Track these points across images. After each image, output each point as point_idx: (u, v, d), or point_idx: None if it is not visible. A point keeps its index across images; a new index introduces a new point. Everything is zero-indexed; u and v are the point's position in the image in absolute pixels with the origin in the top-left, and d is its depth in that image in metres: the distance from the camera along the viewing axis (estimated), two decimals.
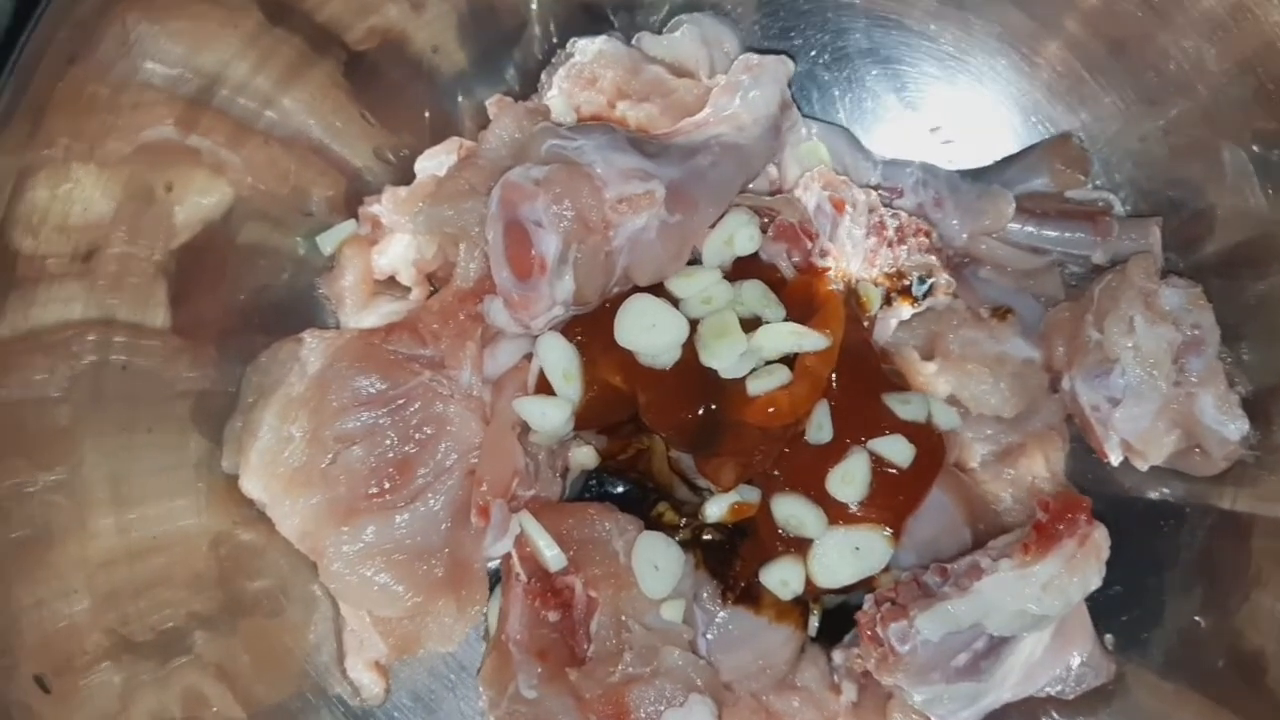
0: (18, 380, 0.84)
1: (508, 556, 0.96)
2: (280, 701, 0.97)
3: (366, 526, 0.92)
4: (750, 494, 0.96)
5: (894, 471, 0.93)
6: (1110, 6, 0.97)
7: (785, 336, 0.93)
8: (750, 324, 0.93)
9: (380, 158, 1.05)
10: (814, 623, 0.99)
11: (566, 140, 0.91)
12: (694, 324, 0.93)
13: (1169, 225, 1.02)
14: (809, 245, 0.97)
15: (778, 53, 1.03)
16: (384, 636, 0.96)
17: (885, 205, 1.02)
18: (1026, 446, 1.00)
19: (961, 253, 1.04)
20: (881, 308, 1.01)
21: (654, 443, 1.00)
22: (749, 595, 0.95)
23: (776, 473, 0.94)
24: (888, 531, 0.93)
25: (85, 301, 0.87)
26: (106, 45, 0.83)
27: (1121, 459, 0.99)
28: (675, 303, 0.94)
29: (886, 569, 0.94)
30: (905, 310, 1.02)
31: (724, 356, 0.92)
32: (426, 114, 1.06)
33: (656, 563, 0.92)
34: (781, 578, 0.93)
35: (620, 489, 1.04)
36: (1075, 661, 0.94)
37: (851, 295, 1.00)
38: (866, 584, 0.95)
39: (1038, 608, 0.88)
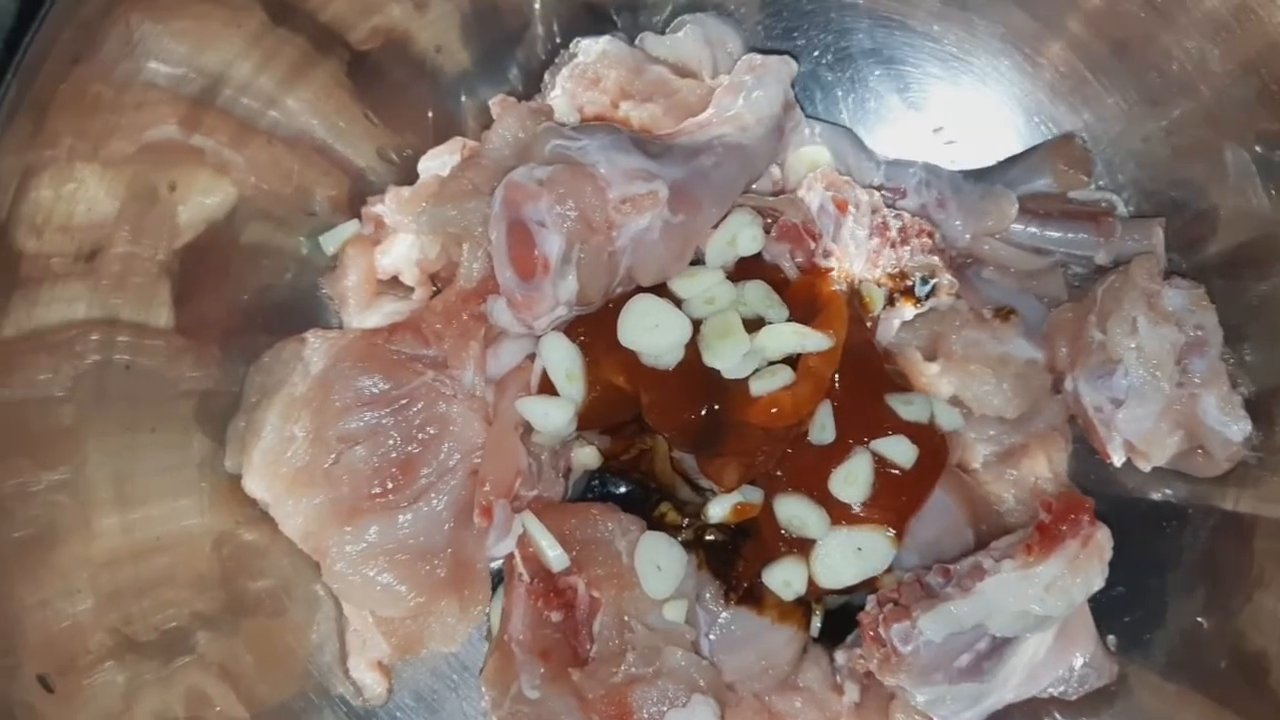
0: (21, 380, 0.84)
1: (510, 557, 0.96)
2: (283, 701, 0.97)
3: (369, 526, 0.92)
4: (753, 494, 0.96)
5: (897, 472, 0.93)
6: (1113, 7, 0.97)
7: (788, 337, 0.93)
8: (753, 324, 0.93)
9: (383, 157, 1.05)
10: (816, 623, 0.99)
11: (570, 140, 0.91)
12: (697, 324, 0.93)
13: (1172, 226, 1.02)
14: (812, 246, 0.98)
15: (781, 53, 1.03)
16: (387, 636, 0.96)
17: (888, 206, 1.02)
18: (1029, 447, 1.00)
19: (964, 253, 1.04)
20: (884, 308, 1.01)
21: (657, 443, 1.00)
22: (751, 596, 0.95)
23: (779, 473, 0.94)
24: (890, 532, 0.93)
25: (89, 301, 0.87)
26: (110, 45, 0.83)
27: (1124, 460, 0.99)
28: (678, 303, 0.94)
29: (889, 570, 0.94)
30: (908, 311, 1.02)
31: (727, 357, 0.92)
32: (430, 114, 1.06)
33: (659, 563, 0.92)
34: (784, 578, 0.93)
35: (623, 489, 1.04)
36: (1078, 662, 0.94)
37: (854, 296, 1.00)
38: (869, 585, 0.95)
39: (1040, 608, 0.88)
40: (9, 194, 0.81)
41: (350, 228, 1.04)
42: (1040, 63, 1.06)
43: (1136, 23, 0.96)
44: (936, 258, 1.02)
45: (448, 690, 1.04)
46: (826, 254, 0.99)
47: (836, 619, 0.99)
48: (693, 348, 0.93)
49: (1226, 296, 0.97)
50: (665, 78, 1.02)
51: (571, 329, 0.96)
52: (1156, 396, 0.95)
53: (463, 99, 1.06)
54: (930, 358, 1.01)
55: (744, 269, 0.97)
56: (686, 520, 0.98)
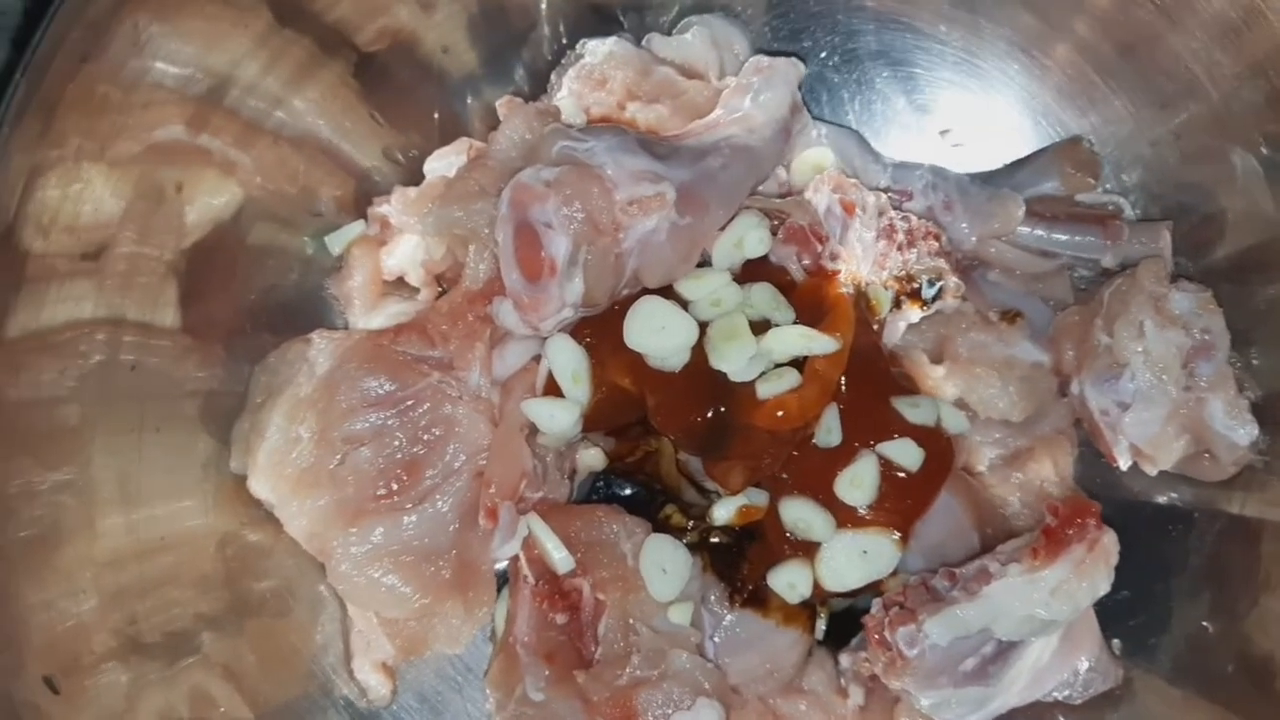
0: (27, 379, 0.84)
1: (515, 558, 0.96)
2: (287, 702, 0.97)
3: (374, 528, 0.92)
4: (758, 497, 0.96)
5: (902, 475, 0.93)
6: (1121, 10, 0.97)
7: (795, 339, 0.93)
8: (760, 327, 0.93)
9: (389, 158, 1.05)
10: (821, 626, 0.99)
11: (577, 142, 0.91)
12: (703, 326, 0.93)
13: (1179, 229, 1.02)
14: (819, 248, 0.97)
15: (788, 55, 1.03)
16: (391, 638, 0.96)
17: (895, 208, 1.02)
18: (1035, 451, 1.00)
19: (971, 256, 1.04)
20: (891, 311, 1.01)
21: (662, 445, 1.00)
22: (756, 598, 0.95)
23: (785, 476, 0.94)
24: (896, 535, 0.93)
25: (94, 301, 0.87)
26: (118, 45, 0.83)
27: (1130, 464, 0.99)
28: (685, 305, 0.94)
29: (894, 573, 0.94)
30: (914, 313, 1.01)
31: (733, 359, 0.92)
32: (436, 115, 1.06)
33: (664, 565, 0.92)
34: (789, 581, 0.93)
35: (628, 491, 1.04)
36: (1083, 666, 0.94)
37: (861, 298, 1.00)
38: (874, 588, 0.95)
39: (1046, 613, 0.88)
40: (16, 194, 0.81)
41: (356, 228, 1.04)
42: (1048, 65, 1.05)
43: (1144, 25, 0.96)
44: (943, 260, 1.01)
45: (452, 692, 1.04)
46: (833, 256, 0.98)
47: (841, 622, 0.99)
48: (699, 350, 0.93)
49: (1234, 300, 0.97)
50: (672, 79, 1.02)
51: (577, 331, 0.96)
52: (1163, 400, 0.95)
53: (469, 100, 1.06)
54: (936, 360, 1.00)
55: (750, 271, 0.97)
56: (692, 523, 0.98)
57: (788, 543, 0.94)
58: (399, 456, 0.93)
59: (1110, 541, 0.89)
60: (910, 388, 0.98)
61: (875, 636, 0.91)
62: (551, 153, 0.92)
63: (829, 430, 0.94)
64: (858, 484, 0.92)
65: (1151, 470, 0.98)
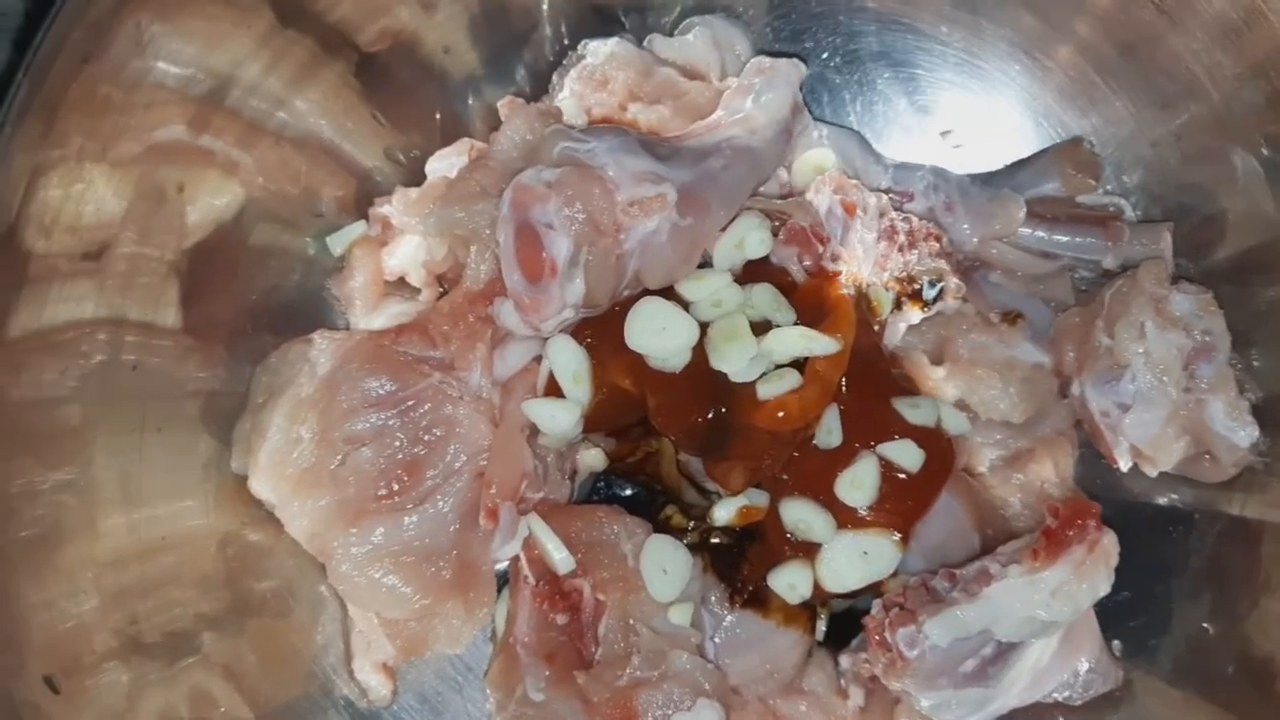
0: (28, 379, 0.84)
1: (516, 559, 0.96)
2: (287, 702, 0.97)
3: (375, 528, 0.92)
4: (759, 498, 0.96)
5: (903, 476, 0.93)
6: (1122, 11, 0.97)
7: (795, 340, 0.93)
8: (760, 328, 0.93)
9: (391, 159, 1.05)
10: (821, 627, 0.99)
11: (578, 143, 0.91)
12: (704, 327, 0.93)
13: (1180, 230, 1.02)
14: (820, 249, 0.97)
15: (789, 55, 1.03)
16: (391, 638, 0.96)
17: (896, 209, 1.02)
18: (1036, 452, 1.00)
19: (972, 257, 1.04)
20: (891, 312, 1.01)
21: (663, 446, 1.00)
22: (757, 599, 0.95)
23: (785, 477, 0.94)
24: (896, 536, 0.93)
25: (96, 301, 0.87)
26: (120, 46, 0.83)
27: (1131, 465, 0.99)
28: (685, 306, 0.94)
29: (895, 574, 0.94)
30: (915, 315, 1.01)
31: (734, 360, 0.92)
32: (437, 115, 1.06)
33: (665, 566, 0.92)
34: (789, 582, 0.93)
35: (629, 492, 1.04)
36: (1083, 667, 0.94)
37: (862, 299, 1.00)
38: (874, 589, 0.95)
39: (1046, 614, 0.88)
40: (18, 194, 0.81)
41: (357, 229, 1.04)
42: (1049, 66, 1.05)
43: (1145, 26, 0.96)
44: (944, 261, 1.01)
45: (452, 692, 1.04)
46: (834, 257, 0.98)
47: (841, 623, 0.99)
48: (700, 351, 0.93)
49: (1234, 302, 0.97)
50: (674, 80, 1.02)
51: (578, 331, 0.96)
52: (1164, 402, 0.95)
53: (470, 100, 1.06)
54: (937, 361, 1.00)
55: (751, 272, 0.97)
56: (692, 523, 0.98)
57: (788, 543, 0.94)
58: (400, 457, 0.93)
59: (1110, 543, 0.89)
60: (911, 389, 0.98)
61: (875, 637, 0.91)
62: (553, 153, 0.92)
63: (829, 431, 0.94)
64: (858, 485, 0.92)
65: (1152, 471, 0.98)
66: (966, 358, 0.99)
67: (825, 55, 1.09)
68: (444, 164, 1.03)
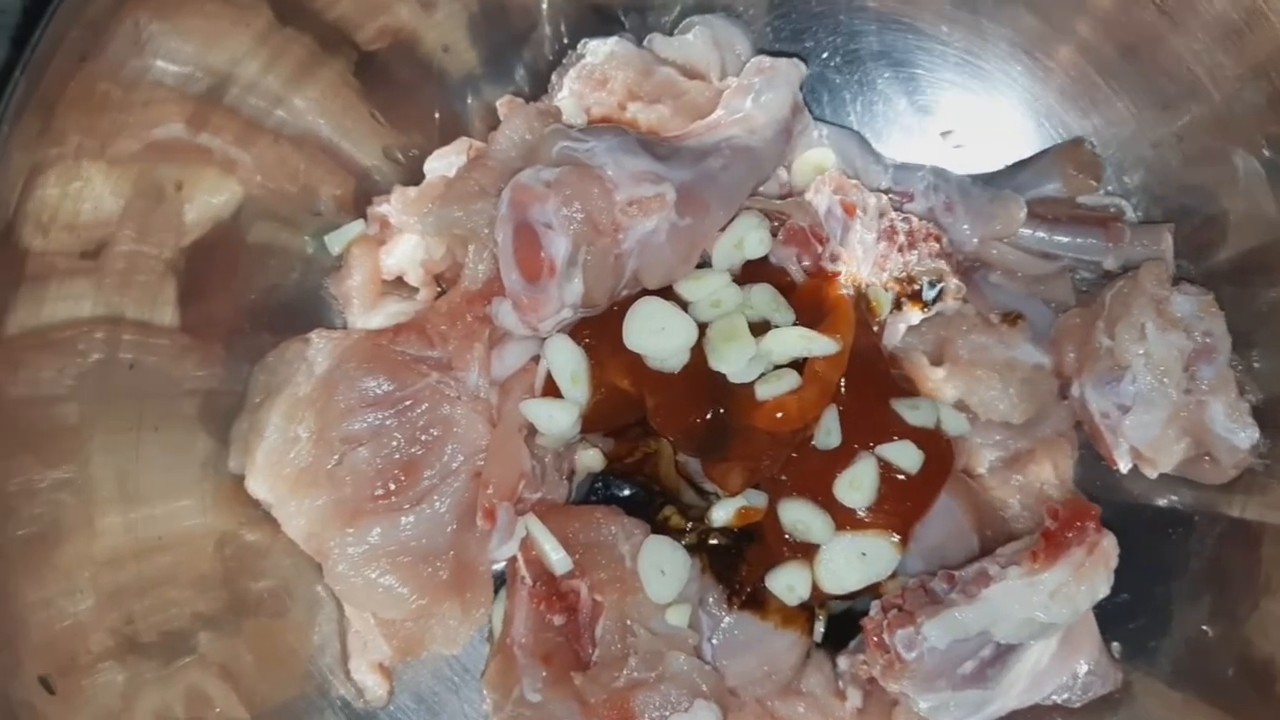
0: (26, 377, 0.84)
1: (513, 559, 0.96)
2: (284, 702, 0.97)
3: (372, 528, 0.91)
4: (757, 499, 0.96)
5: (902, 477, 0.93)
6: (1123, 11, 0.97)
7: (794, 341, 0.93)
8: (759, 328, 0.93)
9: (389, 157, 1.05)
10: (820, 628, 0.98)
11: (577, 142, 0.91)
12: (703, 327, 0.93)
13: (1181, 231, 1.02)
14: (819, 249, 0.97)
15: (790, 55, 1.03)
16: (388, 638, 0.96)
17: (896, 209, 1.01)
18: (1035, 453, 1.00)
19: (972, 258, 1.04)
20: (891, 312, 1.01)
21: (661, 446, 1.00)
22: (755, 600, 0.95)
23: (784, 477, 0.94)
24: (895, 537, 0.92)
25: (94, 299, 0.87)
26: (118, 44, 0.83)
27: (1131, 466, 0.99)
28: (684, 306, 0.94)
29: (893, 575, 0.94)
30: (915, 315, 1.01)
31: (733, 360, 0.92)
32: (436, 114, 1.05)
33: (663, 567, 0.92)
34: (788, 583, 0.93)
35: (627, 492, 1.04)
36: (1082, 669, 0.94)
37: (861, 300, 0.99)
38: (873, 590, 0.95)
39: (1045, 616, 0.88)
40: (16, 191, 0.80)
41: (356, 228, 1.04)
42: (1050, 66, 1.05)
43: (1147, 27, 0.96)
44: (944, 262, 1.01)
45: (449, 693, 1.03)
46: (834, 258, 0.98)
47: (840, 624, 0.99)
48: (698, 351, 0.92)
49: (1235, 303, 0.96)
50: (673, 79, 1.01)
51: (577, 331, 0.96)
52: (1164, 403, 0.95)
53: (469, 99, 1.06)
54: (937, 362, 1.00)
55: (751, 272, 0.97)
56: (690, 524, 0.98)
57: (786, 545, 0.94)
58: (397, 457, 0.93)
59: (1110, 544, 0.89)
60: (910, 389, 0.98)
61: (874, 639, 0.91)
62: (552, 153, 0.91)
63: (828, 432, 0.93)
64: (857, 486, 0.92)
65: (1152, 473, 0.98)
66: (966, 358, 0.99)
67: (825, 55, 1.09)
68: (443, 163, 1.03)
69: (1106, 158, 1.06)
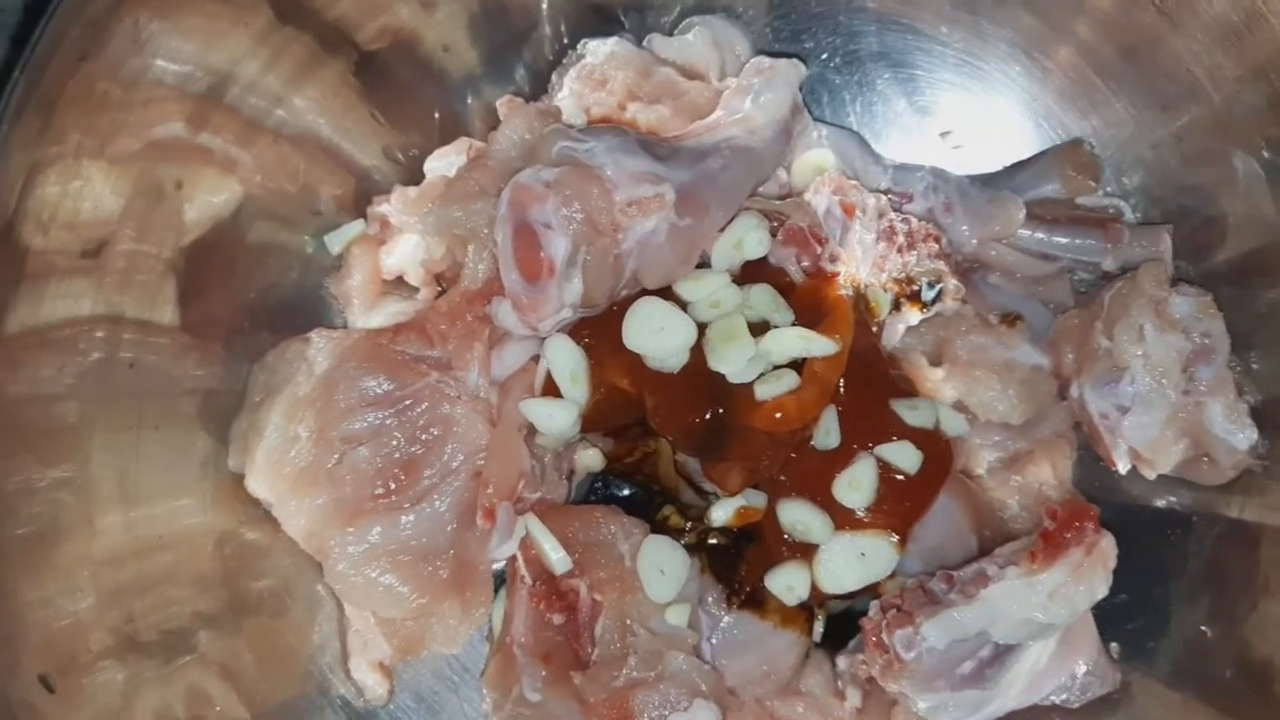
0: (26, 376, 0.84)
1: (513, 559, 0.96)
2: (284, 701, 0.97)
3: (372, 527, 0.91)
4: (757, 498, 0.96)
5: (901, 478, 0.93)
6: (1122, 12, 0.97)
7: (794, 341, 0.93)
8: (759, 328, 0.93)
9: (389, 157, 1.05)
10: (819, 628, 0.98)
11: (577, 142, 0.91)
12: (702, 328, 0.93)
13: (1180, 233, 1.02)
14: (818, 250, 0.97)
15: (789, 56, 1.03)
16: (388, 637, 0.96)
17: (895, 210, 1.01)
18: (1034, 454, 1.00)
19: (971, 258, 1.04)
20: (890, 313, 1.01)
21: (661, 446, 1.00)
22: (754, 600, 0.95)
23: (783, 478, 0.94)
24: (894, 538, 0.92)
25: (93, 298, 0.87)
26: (118, 43, 0.83)
27: (1129, 467, 0.99)
28: (683, 306, 0.94)
29: (892, 575, 0.94)
30: (914, 316, 1.01)
31: (732, 361, 0.92)
32: (436, 114, 1.05)
33: (662, 566, 0.92)
34: (787, 583, 0.93)
35: (626, 492, 1.03)
36: (1081, 670, 0.94)
37: (860, 300, 0.99)
38: (872, 590, 0.95)
39: (1044, 616, 0.88)
40: (15, 190, 0.80)
41: (356, 227, 1.04)
42: (1049, 67, 1.05)
43: (1146, 28, 0.96)
44: (943, 263, 1.01)
45: (449, 692, 1.03)
46: (833, 258, 0.98)
47: (839, 624, 0.99)
48: (698, 351, 0.92)
49: (1234, 304, 0.96)
50: (673, 79, 1.02)
51: (576, 331, 0.95)
52: (1162, 404, 0.95)
53: (469, 99, 1.06)
54: (935, 363, 1.00)
55: (750, 272, 0.96)
56: (690, 524, 0.98)
57: (786, 544, 0.94)
58: (397, 456, 0.93)
59: (1108, 545, 0.89)
60: (909, 390, 0.98)
61: (873, 639, 0.91)
62: (551, 153, 0.91)
63: (827, 432, 0.93)
64: (856, 486, 0.92)
65: (1150, 474, 0.98)
66: (965, 359, 0.99)
67: (825, 55, 1.09)
68: (442, 163, 1.03)
69: (1105, 159, 1.06)
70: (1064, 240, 1.03)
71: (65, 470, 0.86)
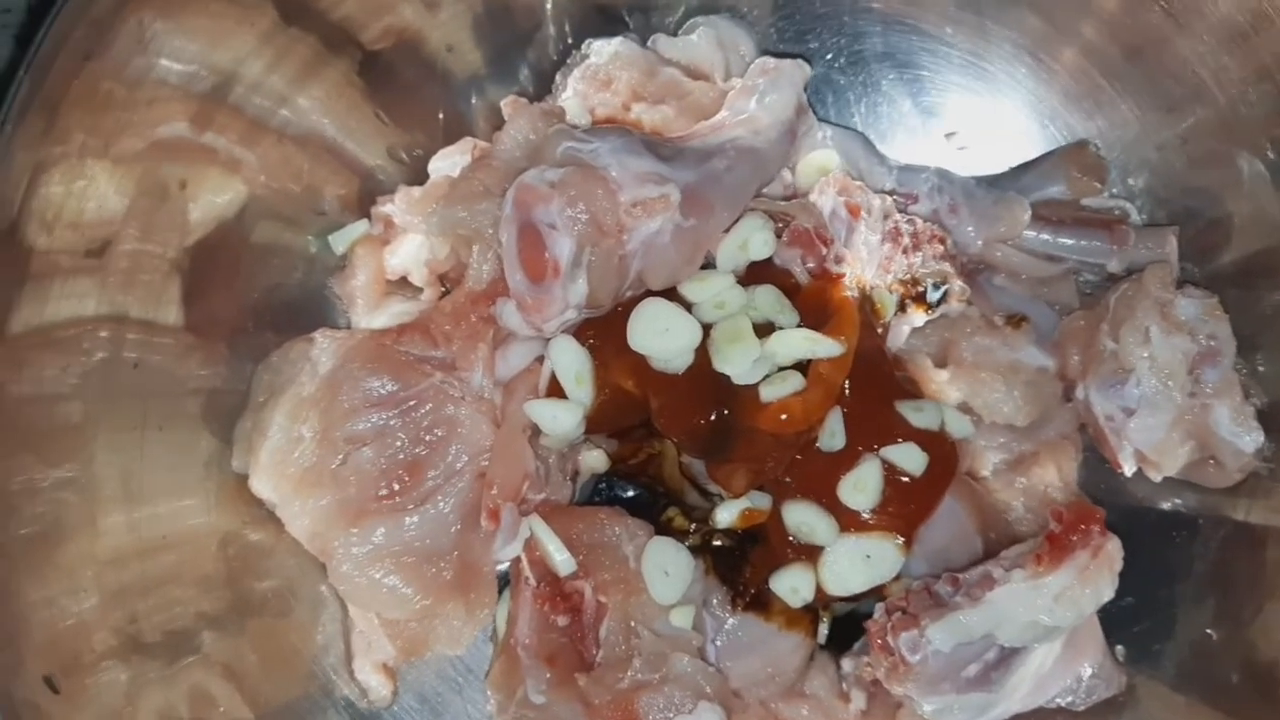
0: (30, 376, 0.84)
1: (517, 560, 0.96)
2: (287, 702, 0.97)
3: (376, 528, 0.91)
4: (761, 500, 0.96)
5: (906, 479, 0.93)
6: (1128, 13, 0.97)
7: (799, 342, 0.92)
8: (764, 329, 0.93)
9: (394, 157, 1.05)
10: (823, 630, 0.98)
11: (582, 143, 0.91)
12: (707, 329, 0.93)
13: (1185, 234, 1.01)
14: (824, 251, 0.97)
15: (794, 56, 1.03)
16: (392, 639, 0.96)
17: (900, 211, 1.01)
18: (1039, 455, 1.00)
19: (976, 260, 1.04)
20: (895, 314, 1.01)
21: (665, 447, 1.00)
22: (759, 602, 0.95)
23: (788, 479, 0.94)
24: (899, 540, 0.92)
25: (98, 298, 0.87)
26: (122, 42, 0.83)
27: (1135, 469, 0.98)
28: (688, 307, 0.94)
29: (897, 577, 0.94)
30: (919, 317, 1.01)
31: (737, 362, 0.91)
32: (440, 114, 1.05)
33: (666, 568, 0.92)
34: (792, 585, 0.93)
35: (631, 493, 1.03)
36: (1086, 673, 0.93)
37: (865, 301, 0.99)
38: (877, 592, 0.94)
39: (1050, 619, 0.87)
40: (20, 190, 0.81)
41: (360, 227, 1.04)
42: (1054, 68, 1.05)
43: (1152, 29, 0.96)
44: (948, 264, 1.01)
45: (452, 693, 1.03)
46: (838, 259, 0.98)
47: (844, 626, 0.99)
48: (702, 352, 0.92)
49: (1240, 306, 0.96)
50: (677, 80, 1.01)
51: (581, 332, 0.95)
52: (1168, 406, 0.95)
53: (473, 99, 1.06)
54: (941, 364, 1.00)
55: (755, 273, 0.96)
56: (694, 525, 0.98)
57: (790, 546, 0.93)
58: (401, 457, 0.93)
59: (1114, 548, 0.89)
60: (914, 392, 0.98)
61: (878, 641, 0.90)
62: (556, 153, 0.91)
63: (832, 434, 0.93)
64: (861, 488, 0.92)
65: (1156, 476, 0.98)
66: (970, 361, 0.99)
67: (830, 56, 1.09)
68: (447, 163, 1.03)
69: (1111, 160, 1.05)
70: (1069, 242, 1.03)
71: (69, 470, 0.86)
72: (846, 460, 0.93)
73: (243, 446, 0.96)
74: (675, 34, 1.06)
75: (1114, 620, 0.95)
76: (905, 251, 1.00)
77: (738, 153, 0.96)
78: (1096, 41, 1.01)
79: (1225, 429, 0.94)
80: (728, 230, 0.96)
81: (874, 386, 0.95)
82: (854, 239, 0.99)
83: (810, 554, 0.93)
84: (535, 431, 0.96)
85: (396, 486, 0.92)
